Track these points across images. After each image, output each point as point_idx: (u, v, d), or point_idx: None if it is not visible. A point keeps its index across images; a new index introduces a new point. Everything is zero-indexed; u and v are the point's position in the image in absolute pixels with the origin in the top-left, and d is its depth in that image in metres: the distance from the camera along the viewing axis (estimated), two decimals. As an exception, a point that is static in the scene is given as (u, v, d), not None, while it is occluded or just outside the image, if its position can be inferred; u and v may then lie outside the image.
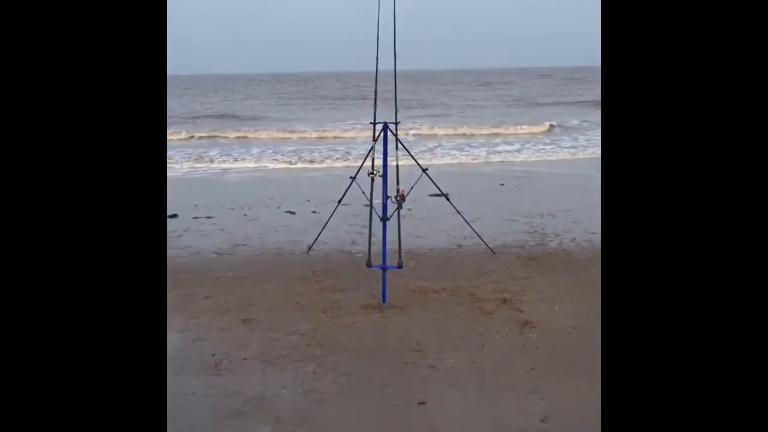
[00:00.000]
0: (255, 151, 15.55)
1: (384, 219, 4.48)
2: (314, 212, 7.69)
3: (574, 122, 21.56)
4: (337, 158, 13.71)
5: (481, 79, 64.45)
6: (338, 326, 4.00)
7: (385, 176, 4.61)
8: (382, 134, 4.68)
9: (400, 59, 4.70)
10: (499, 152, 14.53)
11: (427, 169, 5.24)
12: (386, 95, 4.80)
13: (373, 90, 4.83)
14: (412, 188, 4.86)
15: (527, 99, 35.50)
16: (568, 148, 15.20)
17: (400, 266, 4.26)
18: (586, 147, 15.32)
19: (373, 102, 4.93)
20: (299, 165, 13.06)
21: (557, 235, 6.26)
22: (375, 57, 4.96)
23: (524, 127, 19.47)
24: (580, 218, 6.94)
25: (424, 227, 6.66)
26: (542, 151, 14.39)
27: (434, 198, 7.34)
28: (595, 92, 39.69)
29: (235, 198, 8.59)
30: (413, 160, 5.28)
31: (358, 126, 19.87)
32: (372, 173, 4.58)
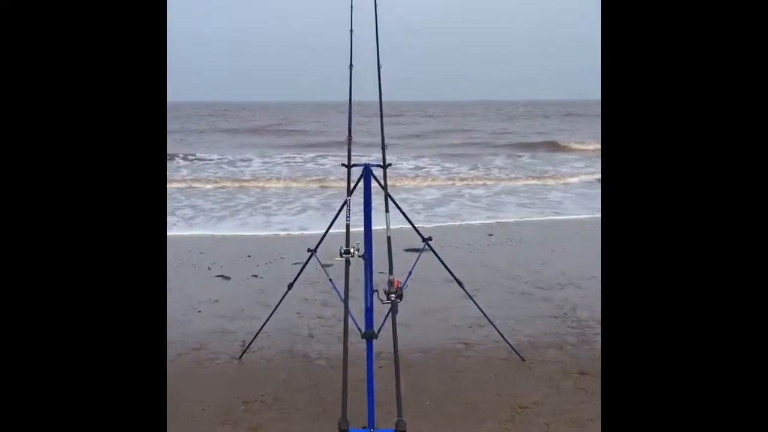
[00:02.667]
0: (187, 192, 13.42)
1: (370, 336, 2.54)
2: (255, 276, 5.73)
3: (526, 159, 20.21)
4: (284, 204, 11.69)
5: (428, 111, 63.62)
6: None
7: (369, 256, 2.69)
8: (362, 182, 2.80)
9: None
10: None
11: (430, 238, 3.31)
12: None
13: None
14: (410, 274, 2.94)
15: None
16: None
17: (401, 431, 2.30)
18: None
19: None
20: (242, 212, 11.01)
21: (599, 323, 4.41)
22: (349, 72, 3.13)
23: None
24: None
25: (408, 307, 4.69)
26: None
27: (411, 253, 5.47)
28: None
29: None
30: (410, 225, 3.36)
31: (331, 167, 17.83)
32: (347, 251, 2.65)
